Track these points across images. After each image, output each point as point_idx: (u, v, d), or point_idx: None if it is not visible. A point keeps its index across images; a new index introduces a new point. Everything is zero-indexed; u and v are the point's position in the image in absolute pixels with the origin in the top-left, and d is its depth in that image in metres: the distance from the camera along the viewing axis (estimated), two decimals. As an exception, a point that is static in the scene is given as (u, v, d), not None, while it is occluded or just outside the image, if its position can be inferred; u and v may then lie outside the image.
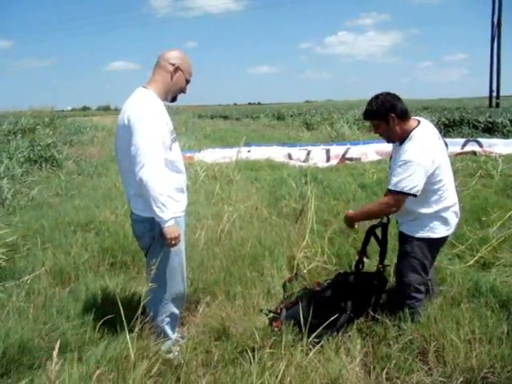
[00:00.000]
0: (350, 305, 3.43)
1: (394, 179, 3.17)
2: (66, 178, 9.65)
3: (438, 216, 3.33)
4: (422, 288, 3.47)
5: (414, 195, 3.15)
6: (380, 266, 3.69)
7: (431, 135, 3.33)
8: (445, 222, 3.36)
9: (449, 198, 3.35)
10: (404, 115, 3.31)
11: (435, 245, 3.42)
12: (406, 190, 3.13)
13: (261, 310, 3.70)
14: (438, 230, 3.35)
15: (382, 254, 3.70)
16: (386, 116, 3.27)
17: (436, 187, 3.25)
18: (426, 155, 3.15)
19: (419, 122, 3.38)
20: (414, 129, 3.29)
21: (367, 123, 21.52)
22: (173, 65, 3.06)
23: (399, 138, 3.33)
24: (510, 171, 9.30)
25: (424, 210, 3.31)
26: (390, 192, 3.21)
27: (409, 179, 3.12)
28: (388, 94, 3.36)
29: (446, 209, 3.34)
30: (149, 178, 2.78)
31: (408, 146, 3.22)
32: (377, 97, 3.34)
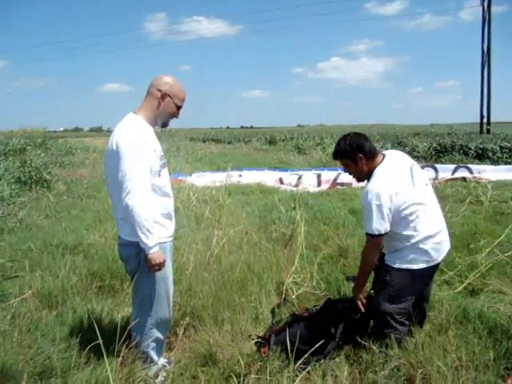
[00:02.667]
0: (340, 332, 3.42)
1: (367, 224, 3.23)
2: (55, 199, 9.58)
3: (416, 248, 3.29)
4: (403, 319, 3.41)
5: (386, 233, 3.22)
6: (372, 291, 3.69)
7: (392, 170, 3.33)
8: (425, 253, 3.30)
9: (426, 230, 3.29)
10: (371, 155, 3.38)
11: (417, 276, 3.35)
12: (376, 232, 3.20)
13: (249, 336, 3.68)
14: (418, 262, 3.31)
15: (376, 281, 3.70)
16: (354, 156, 3.35)
17: (407, 220, 3.25)
18: (383, 192, 3.16)
19: (384, 156, 3.42)
20: (377, 166, 3.35)
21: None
22: (160, 91, 3.08)
23: (367, 176, 3.40)
24: (499, 197, 9.36)
25: (401, 244, 3.32)
26: (367, 236, 3.29)
27: (375, 222, 3.18)
28: (356, 134, 3.46)
29: (424, 240, 3.28)
30: (134, 203, 2.81)
31: (368, 185, 3.30)
32: (345, 137, 3.43)
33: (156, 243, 2.92)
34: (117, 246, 3.32)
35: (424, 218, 3.29)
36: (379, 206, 3.15)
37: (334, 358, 3.34)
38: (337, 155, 3.48)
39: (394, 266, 3.36)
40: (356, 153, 3.34)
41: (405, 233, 3.28)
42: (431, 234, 3.32)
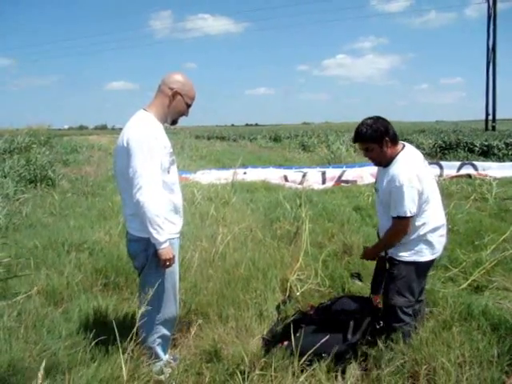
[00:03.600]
0: (356, 339, 3.39)
1: (396, 207, 3.23)
2: (60, 197, 9.59)
3: (423, 240, 3.34)
4: (410, 311, 3.46)
5: (412, 215, 3.22)
6: (372, 295, 3.69)
7: (415, 157, 3.40)
8: (430, 245, 3.37)
9: (434, 221, 3.36)
10: (395, 139, 3.37)
11: (422, 268, 3.44)
12: (408, 214, 3.20)
13: (262, 338, 3.66)
14: (424, 254, 3.37)
15: (375, 285, 3.70)
16: (381, 140, 3.31)
17: (421, 210, 3.29)
18: (413, 175, 3.21)
19: (404, 145, 3.44)
20: (399, 152, 3.36)
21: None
22: (171, 89, 3.10)
23: (387, 162, 3.39)
24: (504, 194, 9.34)
25: (410, 236, 3.33)
26: (396, 219, 3.26)
27: (407, 203, 3.18)
28: (379, 117, 3.41)
29: (432, 232, 3.35)
30: (145, 199, 2.83)
31: (394, 169, 3.29)
32: (370, 121, 3.37)
33: (166, 239, 2.95)
34: (124, 242, 3.35)
35: (433, 209, 3.36)
36: (411, 188, 3.18)
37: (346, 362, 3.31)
38: (362, 139, 3.39)
39: (401, 259, 3.38)
40: (383, 136, 3.31)
41: (417, 223, 3.31)
42: (438, 226, 3.39)
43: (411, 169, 3.26)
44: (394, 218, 3.28)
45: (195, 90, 3.23)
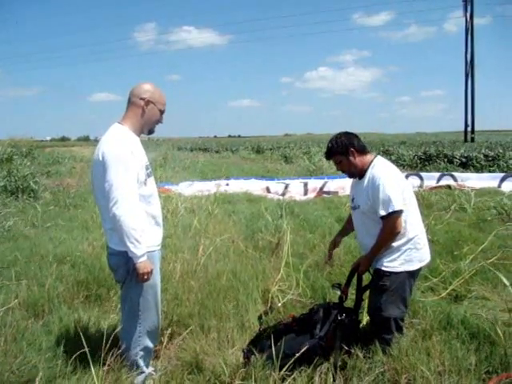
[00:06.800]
0: (324, 332, 3.41)
1: (384, 205, 3.24)
2: (42, 209, 9.49)
3: (410, 248, 3.37)
4: (402, 322, 3.50)
5: (402, 210, 3.25)
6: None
7: (390, 163, 3.52)
8: (418, 253, 3.40)
9: (416, 229, 3.41)
10: (362, 149, 3.47)
11: (412, 277, 3.45)
12: (398, 207, 3.22)
13: (243, 350, 3.65)
14: (414, 262, 3.39)
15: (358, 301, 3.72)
16: (346, 151, 3.42)
17: (404, 215, 3.30)
18: (393, 173, 3.36)
19: (376, 155, 3.54)
20: (372, 160, 3.45)
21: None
22: (143, 99, 3.11)
23: (360, 172, 3.46)
24: (482, 205, 9.45)
25: (397, 243, 3.35)
26: (386, 218, 3.26)
27: (395, 197, 3.22)
28: (345, 132, 3.55)
29: (416, 237, 3.40)
30: (122, 213, 2.83)
31: (373, 172, 3.36)
32: (335, 136, 3.53)
33: (144, 252, 2.94)
34: (105, 256, 3.33)
35: (414, 216, 3.44)
36: (394, 183, 3.28)
37: (321, 364, 3.34)
38: (329, 153, 3.54)
39: (392, 270, 3.38)
40: (347, 147, 3.42)
41: (402, 230, 3.33)
42: (419, 234, 3.45)
43: (390, 169, 3.40)
44: (384, 217, 3.27)
45: (164, 95, 3.26)
